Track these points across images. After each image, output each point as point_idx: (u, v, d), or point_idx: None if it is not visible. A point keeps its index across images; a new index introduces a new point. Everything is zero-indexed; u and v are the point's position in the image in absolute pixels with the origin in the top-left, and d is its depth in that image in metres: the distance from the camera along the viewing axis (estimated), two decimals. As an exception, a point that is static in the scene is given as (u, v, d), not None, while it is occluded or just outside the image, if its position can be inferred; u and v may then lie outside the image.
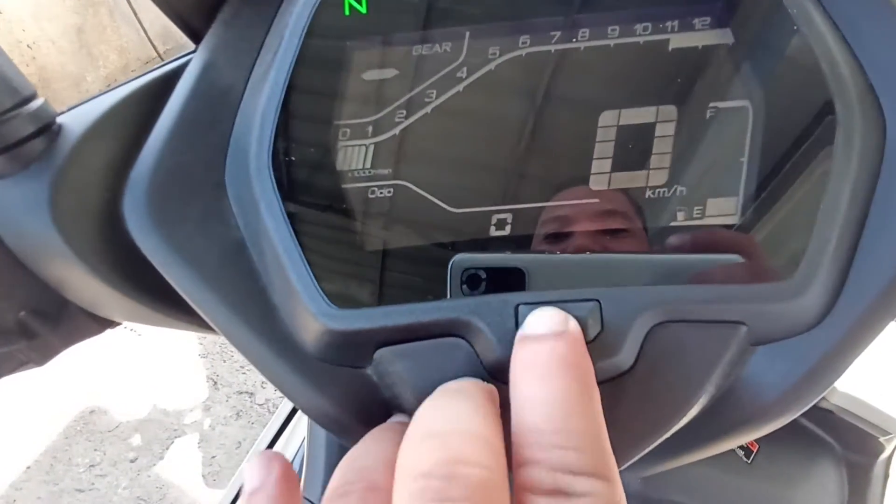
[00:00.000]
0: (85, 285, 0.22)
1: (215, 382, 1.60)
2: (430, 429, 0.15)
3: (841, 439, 0.50)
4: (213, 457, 1.45)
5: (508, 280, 0.20)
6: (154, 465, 1.45)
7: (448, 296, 0.20)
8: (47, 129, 0.21)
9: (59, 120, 0.22)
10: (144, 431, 1.50)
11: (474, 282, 0.20)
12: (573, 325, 0.17)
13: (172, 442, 1.48)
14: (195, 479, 1.41)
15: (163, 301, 0.23)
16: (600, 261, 0.20)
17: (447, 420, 0.15)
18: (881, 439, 0.48)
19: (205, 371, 1.62)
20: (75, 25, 2.40)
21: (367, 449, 0.18)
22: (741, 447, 0.48)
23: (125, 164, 0.22)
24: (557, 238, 0.21)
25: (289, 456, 0.81)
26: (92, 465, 1.44)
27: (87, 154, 0.21)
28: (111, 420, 1.53)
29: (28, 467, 1.43)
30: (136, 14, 2.44)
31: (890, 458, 0.51)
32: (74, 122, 0.22)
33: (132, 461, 1.45)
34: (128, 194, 0.21)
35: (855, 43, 0.21)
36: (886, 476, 0.51)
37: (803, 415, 0.52)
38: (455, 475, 0.13)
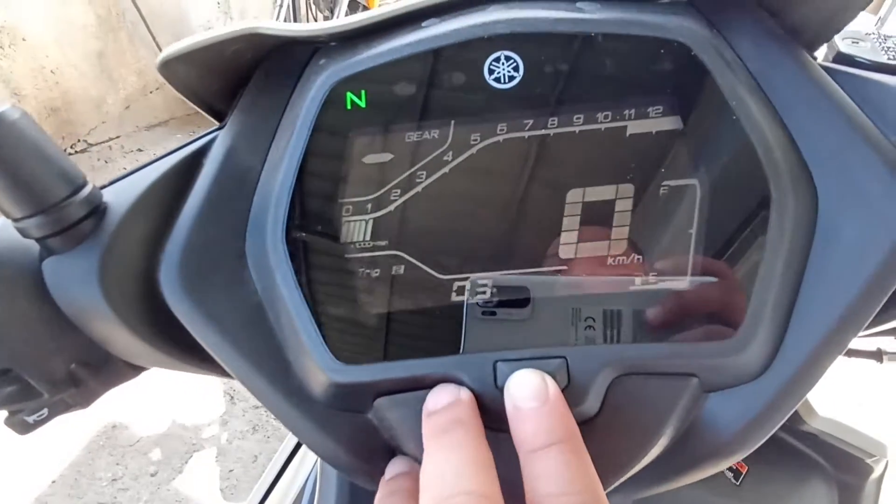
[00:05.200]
0: (126, 342, 0.26)
1: (232, 397, 1.64)
2: (436, 499, 0.19)
3: (830, 459, 0.52)
4: (231, 470, 1.49)
5: (513, 294, 0.24)
6: (174, 478, 1.49)
7: (464, 314, 0.24)
8: (96, 210, 0.25)
9: (105, 198, 0.26)
10: (164, 446, 1.55)
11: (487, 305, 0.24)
12: (552, 388, 0.21)
13: (191, 456, 1.52)
14: (213, 493, 1.45)
15: (192, 354, 0.26)
16: (588, 282, 0.24)
17: (448, 485, 0.19)
18: (868, 461, 0.50)
19: (221, 386, 1.67)
20: (96, 50, 2.49)
21: None
22: (730, 469, 0.51)
23: (161, 238, 0.25)
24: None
25: (304, 472, 0.84)
26: (114, 479, 1.49)
27: (128, 231, 0.25)
28: (132, 435, 1.57)
29: (53, 481, 1.48)
30: (154, 38, 2.53)
31: (881, 478, 0.53)
32: (117, 200, 0.26)
33: (152, 475, 1.49)
34: (163, 266, 0.25)
35: (793, 127, 0.24)
36: (877, 496, 0.53)
37: (792, 436, 0.54)
38: None
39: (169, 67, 0.25)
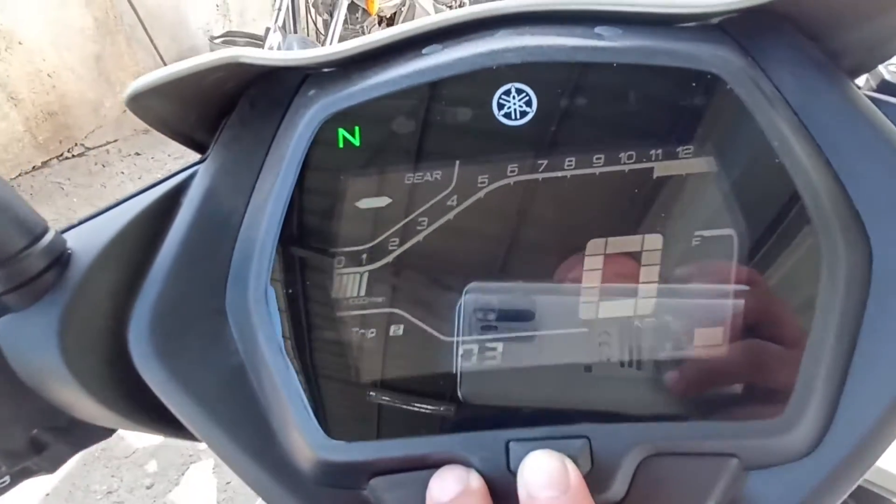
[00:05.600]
0: (89, 409, 0.23)
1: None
2: None
3: (853, 497, 0.49)
4: (228, 482, 1.46)
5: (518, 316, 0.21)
6: (170, 490, 1.46)
7: (458, 328, 0.21)
8: (58, 260, 0.22)
9: (69, 242, 0.23)
10: (160, 458, 1.52)
11: (485, 317, 0.21)
12: (574, 477, 0.18)
13: (188, 468, 1.50)
14: (210, 505, 1.42)
15: (163, 421, 0.24)
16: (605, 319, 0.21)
17: None
18: (894, 500, 0.47)
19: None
20: (94, 53, 2.46)
21: None
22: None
23: (130, 290, 0.23)
24: None
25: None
26: (109, 492, 1.46)
27: (94, 283, 0.22)
28: (128, 446, 1.55)
29: (47, 494, 1.45)
30: (152, 41, 2.50)
31: (904, 514, 0.50)
32: (83, 247, 0.23)
33: (148, 487, 1.47)
34: (132, 325, 0.22)
35: (840, 169, 0.21)
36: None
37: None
38: None
39: (139, 102, 0.22)
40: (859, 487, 0.47)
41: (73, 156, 2.50)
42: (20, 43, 2.21)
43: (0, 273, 0.21)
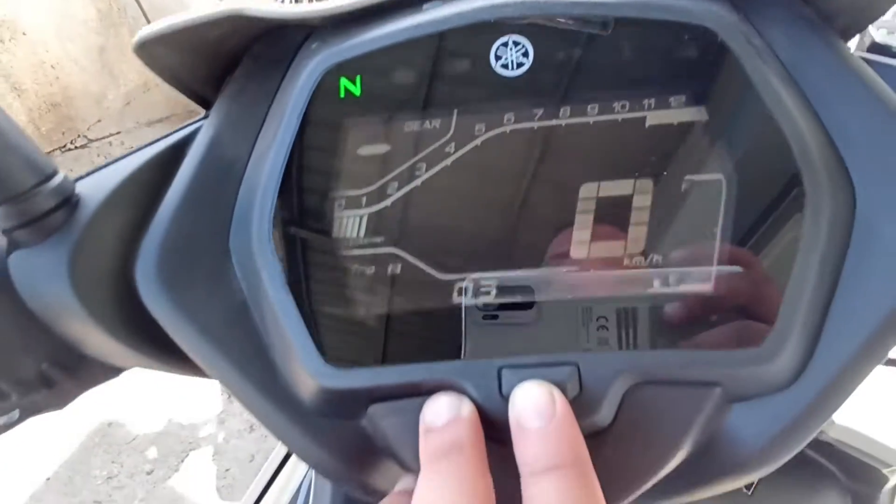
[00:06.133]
0: (100, 343, 0.24)
1: (229, 396, 1.62)
2: None
3: (844, 469, 0.50)
4: (227, 469, 1.47)
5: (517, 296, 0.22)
6: (170, 477, 1.47)
7: (463, 317, 0.22)
8: (67, 201, 0.23)
9: (77, 188, 0.24)
10: (160, 444, 1.53)
11: (488, 307, 0.22)
12: (560, 404, 0.19)
13: (187, 455, 1.51)
14: (210, 492, 1.43)
15: (172, 355, 0.24)
16: (598, 277, 0.22)
17: None
18: (884, 471, 0.48)
19: (219, 385, 1.65)
20: (97, 45, 2.47)
21: None
22: (741, 479, 0.49)
23: (137, 232, 0.24)
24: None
25: (301, 472, 0.82)
26: (110, 477, 1.47)
27: (102, 224, 0.23)
28: (128, 433, 1.56)
29: (48, 479, 1.46)
30: (155, 33, 2.50)
31: (895, 488, 0.51)
32: (91, 191, 0.24)
33: (148, 473, 1.48)
34: (139, 261, 0.23)
35: (828, 121, 0.22)
36: (892, 507, 0.51)
37: (806, 445, 0.52)
38: None
39: (147, 49, 0.23)
40: (851, 459, 0.48)
41: (76, 147, 2.51)
42: (24, 34, 2.22)
43: (11, 209, 0.21)
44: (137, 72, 2.63)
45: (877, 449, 0.46)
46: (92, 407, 1.60)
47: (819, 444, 0.49)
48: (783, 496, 0.49)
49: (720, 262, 0.21)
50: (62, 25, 2.32)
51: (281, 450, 0.89)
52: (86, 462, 1.50)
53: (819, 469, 0.51)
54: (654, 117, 0.22)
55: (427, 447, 0.19)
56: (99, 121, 2.56)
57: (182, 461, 1.50)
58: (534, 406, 0.19)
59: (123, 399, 1.61)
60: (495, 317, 0.22)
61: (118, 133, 2.62)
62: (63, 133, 2.44)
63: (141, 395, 1.61)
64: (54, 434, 1.55)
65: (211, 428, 1.56)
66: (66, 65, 2.36)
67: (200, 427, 1.56)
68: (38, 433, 1.54)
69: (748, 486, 0.48)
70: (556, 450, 0.18)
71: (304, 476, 0.81)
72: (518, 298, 0.22)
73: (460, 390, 0.21)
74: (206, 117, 0.26)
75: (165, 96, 2.71)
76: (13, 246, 0.23)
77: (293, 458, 0.87)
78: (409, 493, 0.21)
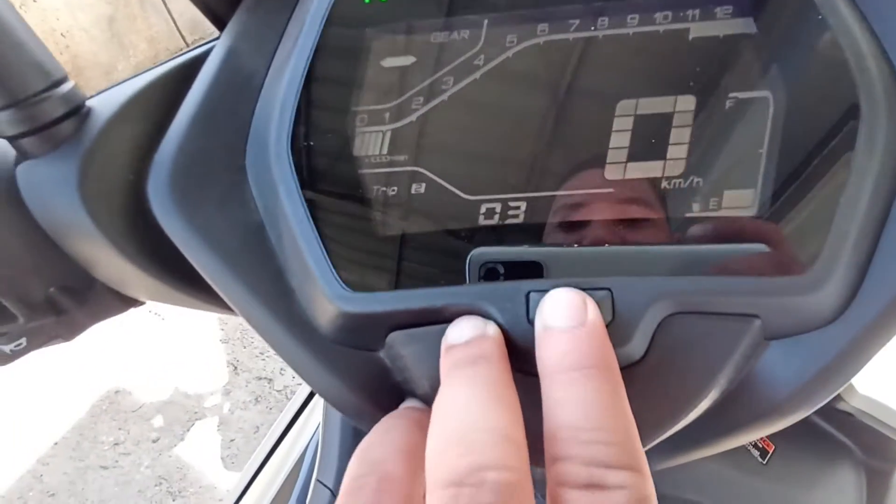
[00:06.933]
0: (111, 263, 0.23)
1: (235, 368, 1.63)
2: (457, 430, 0.15)
3: (861, 443, 0.49)
4: (232, 440, 1.48)
5: (526, 273, 0.20)
6: (175, 445, 1.49)
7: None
8: (77, 111, 0.22)
9: (88, 104, 0.23)
10: (166, 413, 1.54)
11: (492, 275, 0.21)
12: (592, 310, 0.18)
13: (193, 424, 1.52)
14: (214, 461, 1.45)
15: (185, 281, 0.24)
16: (617, 253, 0.20)
17: (469, 419, 0.15)
18: (903, 444, 0.47)
19: (225, 356, 1.66)
20: (107, 15, 2.45)
21: (379, 439, 0.18)
22: (756, 447, 0.48)
23: (150, 147, 0.23)
24: (573, 227, 0.21)
25: (304, 441, 0.82)
26: (116, 444, 1.49)
27: (114, 136, 0.22)
28: (135, 401, 1.57)
29: (55, 443, 1.48)
30: (165, 4, 2.48)
31: (912, 463, 0.50)
32: (103, 105, 0.23)
33: (154, 441, 1.49)
34: (152, 176, 0.22)
35: (883, 35, 0.20)
36: (907, 482, 0.50)
37: (822, 417, 0.51)
38: (484, 481, 0.14)
39: None
40: (869, 431, 0.47)
41: (85, 118, 2.50)
42: (35, 1, 2.20)
43: (19, 114, 0.20)
44: (147, 43, 2.61)
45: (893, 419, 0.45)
46: (100, 374, 1.61)
47: (837, 415, 0.47)
48: (797, 467, 0.48)
49: (764, 185, 0.20)
50: (72, -6, 2.31)
51: (284, 420, 0.90)
52: (93, 428, 1.51)
53: (834, 442, 0.50)
54: (699, 29, 0.20)
55: (449, 359, 0.18)
56: (108, 93, 2.55)
57: (187, 430, 1.51)
58: (564, 308, 0.18)
59: (130, 367, 1.62)
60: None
61: (127, 105, 2.61)
62: (72, 104, 2.43)
63: (148, 363, 1.63)
64: (63, 399, 1.56)
65: (216, 399, 1.57)
66: (76, 34, 2.34)
67: (206, 397, 1.57)
68: (47, 398, 1.56)
69: (763, 455, 0.47)
70: (586, 351, 0.16)
71: (308, 443, 0.81)
72: (545, 220, 0.21)
73: (485, 315, 0.20)
74: (219, 38, 0.25)
75: (175, 69, 2.69)
76: (21, 156, 0.22)
77: (297, 428, 0.87)
78: (415, 409, 0.20)
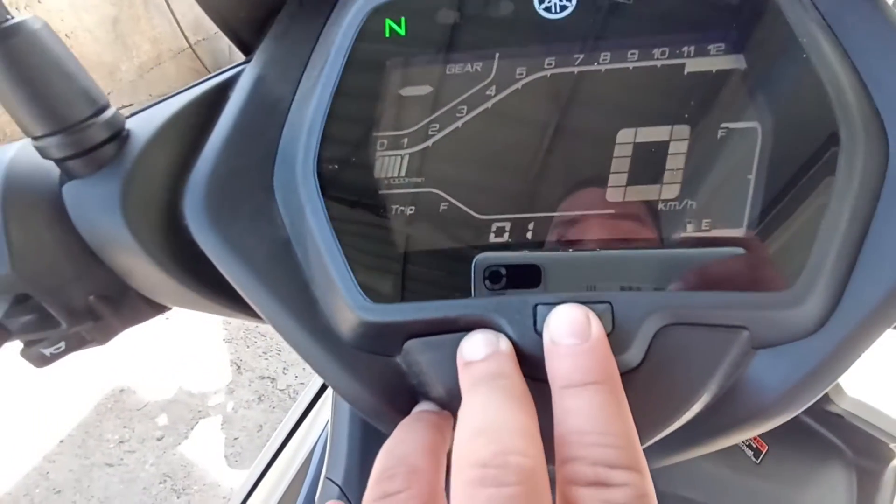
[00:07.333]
0: (147, 274, 0.25)
1: (239, 367, 1.65)
2: (482, 425, 0.17)
3: (851, 444, 0.51)
4: (236, 438, 1.50)
5: (526, 276, 0.22)
6: (179, 443, 1.50)
7: (472, 291, 0.22)
8: (118, 135, 0.23)
9: (127, 125, 0.24)
10: (171, 411, 1.56)
11: (495, 277, 0.22)
12: (595, 326, 0.20)
13: (197, 423, 1.54)
14: (218, 460, 1.46)
15: (216, 291, 0.25)
16: (610, 257, 0.22)
17: (493, 417, 0.18)
18: (892, 446, 0.49)
19: (229, 356, 1.67)
20: (111, 16, 2.46)
21: (402, 438, 0.20)
22: (750, 447, 0.50)
23: (185, 168, 0.24)
24: (572, 243, 0.23)
25: (311, 441, 0.84)
26: (121, 442, 1.51)
27: (152, 158, 0.24)
28: (140, 399, 1.59)
29: (61, 441, 1.50)
30: (169, 5, 2.50)
31: (902, 464, 0.52)
32: (140, 128, 0.24)
33: (159, 439, 1.51)
34: (188, 195, 0.24)
35: (863, 68, 0.22)
36: (897, 482, 0.52)
37: (813, 418, 0.53)
38: (508, 464, 0.16)
39: None
40: (859, 434, 0.49)
41: (89, 118, 2.51)
42: (39, 2, 2.22)
43: (66, 138, 0.22)
44: (151, 44, 2.62)
45: (886, 423, 0.47)
46: (105, 372, 1.63)
47: (828, 417, 0.49)
48: (790, 467, 0.50)
49: (752, 207, 0.22)
50: (77, -5, 2.32)
51: (291, 420, 0.91)
52: (98, 426, 1.53)
53: (826, 443, 0.52)
54: (693, 64, 0.22)
55: (468, 376, 0.20)
56: (111, 92, 2.56)
57: (191, 429, 1.53)
58: (570, 324, 0.20)
59: (135, 366, 1.64)
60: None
61: (131, 105, 2.63)
62: (76, 104, 2.44)
63: (152, 362, 1.64)
64: (69, 397, 1.58)
65: (220, 397, 1.58)
66: (80, 34, 2.36)
67: (210, 396, 1.59)
68: (53, 396, 1.58)
69: (756, 455, 0.49)
70: (592, 366, 0.19)
71: (316, 443, 0.83)
72: (554, 238, 0.22)
73: (495, 327, 0.22)
74: (247, 62, 0.27)
75: (178, 70, 2.71)
76: (67, 177, 0.23)
77: (304, 428, 0.89)
78: (431, 412, 0.22)
